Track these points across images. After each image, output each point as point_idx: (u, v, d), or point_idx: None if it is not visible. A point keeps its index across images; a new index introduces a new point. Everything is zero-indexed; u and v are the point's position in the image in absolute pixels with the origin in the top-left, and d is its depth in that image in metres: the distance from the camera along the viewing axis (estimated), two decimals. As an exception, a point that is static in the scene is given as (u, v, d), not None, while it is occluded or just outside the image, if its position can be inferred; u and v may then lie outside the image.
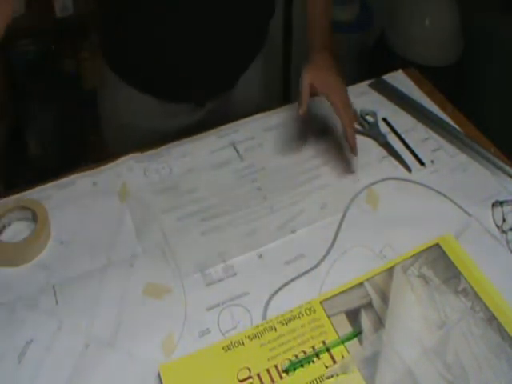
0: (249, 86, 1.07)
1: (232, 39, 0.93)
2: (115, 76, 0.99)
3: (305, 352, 0.69)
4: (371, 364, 0.68)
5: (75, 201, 0.87)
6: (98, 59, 1.02)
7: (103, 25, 0.98)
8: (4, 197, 0.87)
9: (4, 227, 0.83)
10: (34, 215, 0.82)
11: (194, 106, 1.04)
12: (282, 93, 2.09)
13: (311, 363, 0.68)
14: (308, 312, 0.73)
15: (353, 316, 0.73)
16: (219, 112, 1.06)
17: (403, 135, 0.98)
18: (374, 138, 0.97)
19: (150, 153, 0.95)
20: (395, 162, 0.94)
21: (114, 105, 1.04)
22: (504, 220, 0.84)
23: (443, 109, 1.03)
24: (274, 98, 2.01)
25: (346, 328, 0.71)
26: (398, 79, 1.09)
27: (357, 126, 0.99)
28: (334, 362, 0.68)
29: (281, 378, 0.67)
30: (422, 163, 0.94)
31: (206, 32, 0.89)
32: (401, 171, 0.92)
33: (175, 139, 0.98)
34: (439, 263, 0.78)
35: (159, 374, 0.67)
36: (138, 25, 0.89)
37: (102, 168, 0.92)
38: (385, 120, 1.01)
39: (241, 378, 0.67)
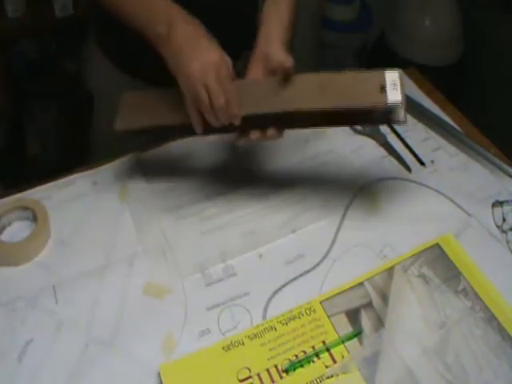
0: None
1: (222, 27, 0.94)
2: (109, 63, 0.99)
3: (305, 352, 0.69)
4: (371, 364, 0.68)
5: (75, 201, 0.87)
6: (92, 49, 1.02)
7: (95, 10, 0.98)
8: (4, 197, 0.87)
9: (4, 227, 0.83)
10: (34, 215, 0.82)
11: None
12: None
13: (311, 363, 0.68)
14: (308, 312, 0.73)
15: (353, 316, 0.73)
16: None
17: (403, 135, 0.98)
18: (374, 138, 0.97)
19: (149, 153, 0.95)
20: (395, 162, 0.94)
21: (106, 92, 1.03)
22: (504, 220, 0.84)
23: (443, 109, 1.03)
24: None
25: (346, 328, 0.71)
26: (398, 79, 1.09)
27: (357, 126, 0.99)
28: (334, 361, 0.68)
29: (281, 377, 0.67)
30: (422, 163, 0.94)
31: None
32: (401, 171, 0.92)
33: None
34: (439, 263, 0.78)
35: (159, 374, 0.67)
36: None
37: (102, 168, 0.92)
38: (385, 120, 1.01)
39: (241, 377, 0.67)
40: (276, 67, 0.76)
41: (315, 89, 0.72)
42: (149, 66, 0.98)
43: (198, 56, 0.72)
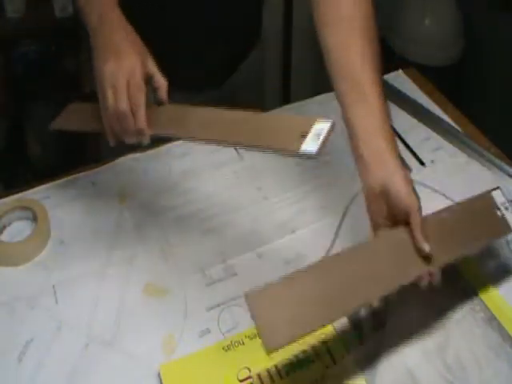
0: (244, 80, 1.07)
1: (227, 29, 0.94)
2: None
3: (305, 352, 0.69)
4: (371, 364, 0.68)
5: (75, 201, 0.87)
6: None
7: None
8: (4, 197, 0.87)
9: (4, 227, 0.83)
10: (34, 215, 0.82)
11: (191, 93, 1.04)
12: (282, 93, 2.09)
13: (311, 363, 0.68)
14: (308, 312, 0.73)
15: (353, 316, 0.72)
16: (215, 103, 1.07)
17: (403, 135, 0.98)
18: (374, 138, 0.97)
19: (149, 153, 0.95)
20: (395, 162, 0.93)
21: None
22: (504, 220, 0.83)
23: (443, 109, 1.03)
24: (274, 98, 2.01)
25: (346, 328, 0.71)
26: (398, 79, 1.09)
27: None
28: (334, 362, 0.68)
29: (281, 377, 0.67)
30: (422, 163, 0.94)
31: (202, 20, 0.91)
32: (401, 171, 0.92)
33: None
34: (439, 263, 0.78)
35: (159, 374, 0.67)
36: (137, 11, 0.90)
37: (102, 168, 0.92)
38: (385, 120, 1.01)
39: (241, 378, 0.67)
40: (400, 211, 0.65)
41: (238, 123, 0.68)
42: None
43: (114, 58, 0.68)
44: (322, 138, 0.59)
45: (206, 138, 0.69)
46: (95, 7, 0.73)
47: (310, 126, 0.61)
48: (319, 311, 0.59)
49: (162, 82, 0.71)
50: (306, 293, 0.60)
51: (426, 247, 0.63)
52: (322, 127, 0.60)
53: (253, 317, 0.56)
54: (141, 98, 0.67)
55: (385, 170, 0.65)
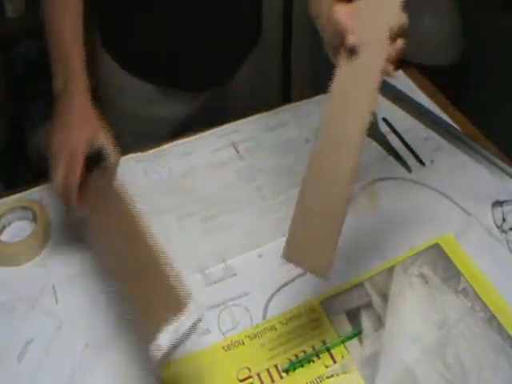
0: (246, 80, 1.07)
1: (227, 30, 0.95)
2: (115, 64, 0.99)
3: (305, 352, 0.69)
4: (371, 364, 0.68)
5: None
6: (98, 51, 1.02)
7: (103, 14, 0.99)
8: (4, 197, 0.87)
9: (4, 227, 0.83)
10: (34, 215, 0.82)
11: (193, 93, 1.04)
12: (282, 92, 2.09)
13: (311, 363, 0.68)
14: (308, 312, 0.73)
15: (353, 316, 0.73)
16: (217, 103, 1.07)
17: (403, 135, 0.98)
18: (374, 138, 0.97)
19: (149, 153, 0.95)
20: (395, 162, 0.94)
21: (114, 93, 1.04)
22: (504, 220, 0.84)
23: (443, 109, 1.03)
24: (274, 97, 2.01)
25: (346, 328, 0.71)
26: (398, 79, 1.09)
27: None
28: (334, 361, 0.68)
29: (281, 377, 0.67)
30: (422, 163, 0.94)
31: (203, 21, 0.92)
32: (401, 171, 0.92)
33: (173, 128, 0.98)
34: (439, 263, 0.78)
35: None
36: (139, 12, 0.91)
37: (102, 168, 0.92)
38: (385, 120, 1.01)
39: (241, 377, 0.67)
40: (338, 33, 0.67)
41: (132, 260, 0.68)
42: (155, 68, 0.99)
43: (64, 131, 0.77)
44: (177, 337, 0.59)
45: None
46: (62, 70, 0.84)
47: (175, 317, 0.60)
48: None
49: (111, 158, 0.74)
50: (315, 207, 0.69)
51: (351, 38, 0.66)
52: (184, 323, 0.60)
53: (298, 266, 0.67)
54: (74, 180, 0.71)
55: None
